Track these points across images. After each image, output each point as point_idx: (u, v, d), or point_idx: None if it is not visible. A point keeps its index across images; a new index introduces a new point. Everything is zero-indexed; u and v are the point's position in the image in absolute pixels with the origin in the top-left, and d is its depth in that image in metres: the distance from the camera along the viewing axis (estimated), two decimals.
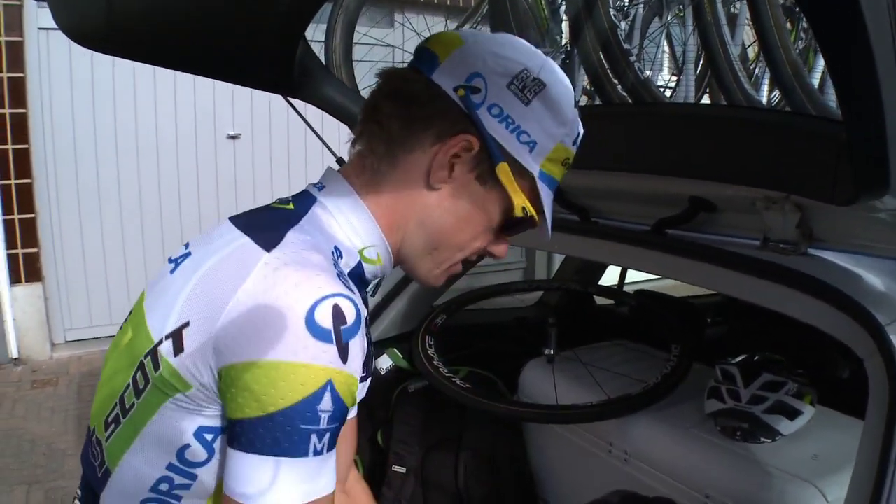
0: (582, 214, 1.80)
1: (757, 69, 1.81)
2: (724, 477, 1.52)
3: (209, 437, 0.82)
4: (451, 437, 2.14)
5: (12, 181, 4.76)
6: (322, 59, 2.26)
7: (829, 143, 1.06)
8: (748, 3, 1.32)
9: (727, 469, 1.53)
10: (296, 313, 0.74)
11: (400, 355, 2.29)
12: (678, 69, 1.85)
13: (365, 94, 2.25)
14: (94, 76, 4.97)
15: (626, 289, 2.84)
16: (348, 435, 1.23)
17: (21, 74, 4.70)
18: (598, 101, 1.75)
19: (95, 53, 1.45)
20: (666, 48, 1.89)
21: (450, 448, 2.12)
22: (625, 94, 1.61)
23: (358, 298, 0.80)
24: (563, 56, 2.21)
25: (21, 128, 4.75)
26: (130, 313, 0.94)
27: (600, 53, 1.54)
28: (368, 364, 0.97)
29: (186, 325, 0.79)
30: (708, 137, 1.23)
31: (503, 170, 0.88)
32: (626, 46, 1.47)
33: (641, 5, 1.78)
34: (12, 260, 4.84)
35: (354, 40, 2.37)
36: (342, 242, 0.91)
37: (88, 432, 0.95)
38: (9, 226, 4.79)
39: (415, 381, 2.23)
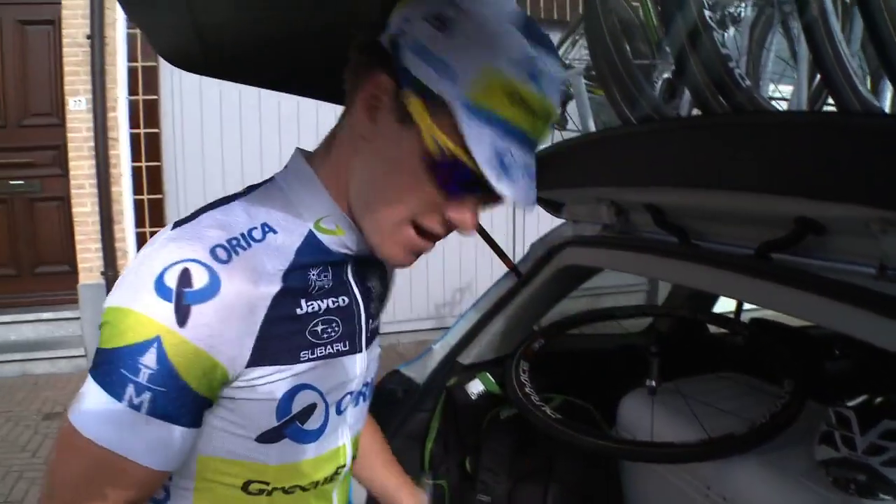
0: (681, 236, 1.65)
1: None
2: None
3: None
4: (542, 469, 2.03)
5: (145, 196, 5.07)
6: None
7: None
8: None
9: None
10: (151, 269, 0.77)
11: (492, 380, 2.21)
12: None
13: None
14: (221, 97, 5.23)
15: (746, 317, 2.62)
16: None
17: (155, 97, 5.01)
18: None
19: None
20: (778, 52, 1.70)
21: (539, 480, 2.01)
22: (727, 105, 1.45)
23: (228, 274, 0.79)
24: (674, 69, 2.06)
25: (154, 146, 5.06)
26: None
27: (699, 62, 1.40)
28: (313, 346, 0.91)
29: None
30: (811, 149, 1.08)
31: (414, 104, 0.80)
32: (724, 52, 1.33)
33: (748, 6, 1.61)
34: None
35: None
36: (287, 217, 0.90)
37: None
38: (141, 238, 5.10)
39: (507, 408, 2.13)
